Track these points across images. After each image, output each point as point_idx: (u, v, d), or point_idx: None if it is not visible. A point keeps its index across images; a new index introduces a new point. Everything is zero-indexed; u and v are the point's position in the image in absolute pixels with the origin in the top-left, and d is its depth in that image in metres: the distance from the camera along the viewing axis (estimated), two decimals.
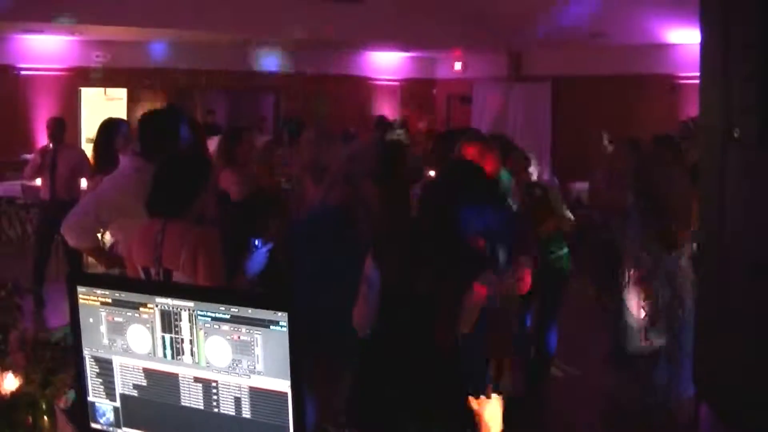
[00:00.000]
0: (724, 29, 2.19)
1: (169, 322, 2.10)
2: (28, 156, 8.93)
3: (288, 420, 2.01)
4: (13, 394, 2.74)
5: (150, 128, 4.40)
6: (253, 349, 2.01)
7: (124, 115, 12.06)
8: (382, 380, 3.48)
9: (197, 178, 3.65)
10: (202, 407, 2.11)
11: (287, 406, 2.01)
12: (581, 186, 12.63)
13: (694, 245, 4.59)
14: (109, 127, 6.31)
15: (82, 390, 2.26)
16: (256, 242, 3.71)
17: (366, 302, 3.42)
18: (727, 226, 2.14)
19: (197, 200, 3.61)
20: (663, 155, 5.18)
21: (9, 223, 11.88)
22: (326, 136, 5.00)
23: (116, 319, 2.16)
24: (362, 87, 16.43)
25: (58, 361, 2.85)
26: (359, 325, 3.46)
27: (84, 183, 9.63)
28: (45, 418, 2.72)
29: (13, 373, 2.81)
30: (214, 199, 3.91)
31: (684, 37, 11.95)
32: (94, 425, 2.26)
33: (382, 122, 9.56)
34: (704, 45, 2.25)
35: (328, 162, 4.40)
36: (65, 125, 8.93)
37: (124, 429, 2.23)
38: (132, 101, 13.77)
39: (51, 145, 8.63)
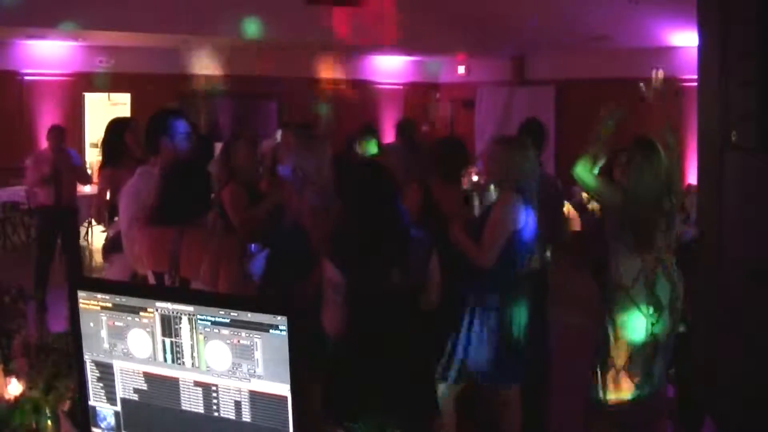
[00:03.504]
0: (723, 34, 2.19)
1: (169, 326, 2.11)
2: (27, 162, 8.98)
3: (288, 424, 2.02)
4: (16, 399, 2.75)
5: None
6: (253, 353, 2.03)
7: None
8: (359, 377, 3.51)
9: (210, 188, 3.65)
10: (202, 411, 2.12)
11: (287, 410, 2.02)
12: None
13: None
14: (117, 125, 6.36)
15: (83, 394, 2.27)
16: (252, 248, 3.74)
17: (337, 306, 3.44)
18: (725, 229, 2.15)
19: (211, 210, 3.61)
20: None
21: (13, 228, 11.91)
22: (307, 142, 4.91)
23: (117, 323, 2.17)
24: (365, 91, 16.42)
25: (61, 366, 2.87)
26: (333, 330, 3.49)
27: (87, 188, 9.78)
28: (48, 423, 2.73)
29: (17, 378, 2.83)
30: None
31: (688, 40, 11.94)
32: (95, 430, 2.27)
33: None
34: (702, 50, 2.26)
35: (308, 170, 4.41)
36: (65, 133, 9.04)
37: None
38: (136, 106, 13.79)
39: (52, 153, 8.72)
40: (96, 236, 11.42)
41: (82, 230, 10.88)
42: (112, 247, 4.83)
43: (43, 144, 8.96)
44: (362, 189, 3.67)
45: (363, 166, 3.99)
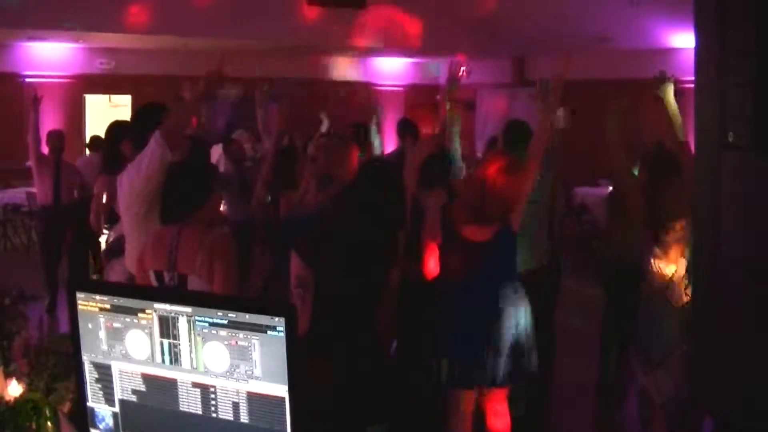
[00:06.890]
0: (720, 34, 2.20)
1: (167, 327, 2.11)
2: (29, 163, 9.08)
3: (286, 425, 2.02)
4: (17, 400, 2.75)
5: None
6: (251, 355, 2.03)
7: None
8: (321, 378, 3.49)
9: (203, 183, 3.71)
10: (200, 412, 2.12)
11: (285, 412, 2.02)
12: (586, 191, 12.65)
13: None
14: (114, 129, 6.37)
15: (81, 396, 2.27)
16: None
17: (306, 304, 3.42)
18: (722, 230, 2.16)
19: (206, 204, 3.66)
20: None
21: (14, 230, 11.93)
22: (342, 144, 5.00)
23: (115, 324, 2.17)
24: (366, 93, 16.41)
25: (62, 367, 2.88)
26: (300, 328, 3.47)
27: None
28: (49, 424, 2.74)
29: (17, 379, 2.83)
30: None
31: (688, 42, 11.94)
32: (93, 431, 2.27)
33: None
34: (699, 50, 2.26)
35: (337, 174, 4.46)
36: (64, 137, 9.13)
37: None
38: (137, 108, 13.79)
39: (52, 156, 8.84)
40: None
41: None
42: (112, 252, 4.82)
43: (42, 147, 9.02)
44: (377, 194, 3.64)
45: (381, 170, 3.91)
